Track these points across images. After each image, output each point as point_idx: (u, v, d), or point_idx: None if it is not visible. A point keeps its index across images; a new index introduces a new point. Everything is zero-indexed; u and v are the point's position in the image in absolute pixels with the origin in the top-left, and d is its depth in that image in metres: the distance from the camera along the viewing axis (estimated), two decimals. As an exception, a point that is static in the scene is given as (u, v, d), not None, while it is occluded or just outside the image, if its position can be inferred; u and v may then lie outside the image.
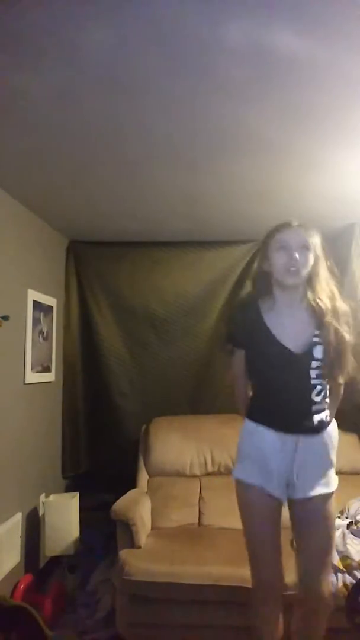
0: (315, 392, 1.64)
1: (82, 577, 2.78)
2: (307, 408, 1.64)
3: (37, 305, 2.90)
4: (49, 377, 3.10)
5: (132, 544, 2.39)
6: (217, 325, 3.44)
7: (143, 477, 2.95)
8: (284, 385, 1.66)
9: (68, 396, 3.39)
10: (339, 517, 2.50)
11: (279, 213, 2.88)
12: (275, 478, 1.65)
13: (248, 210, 2.86)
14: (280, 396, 1.67)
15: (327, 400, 1.71)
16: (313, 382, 1.64)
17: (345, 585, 2.05)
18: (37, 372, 2.89)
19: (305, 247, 1.62)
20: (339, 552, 2.18)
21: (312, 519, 1.67)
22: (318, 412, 1.66)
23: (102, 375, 3.42)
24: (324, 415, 1.68)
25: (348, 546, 2.19)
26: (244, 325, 1.73)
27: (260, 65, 1.49)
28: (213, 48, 1.42)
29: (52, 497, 2.87)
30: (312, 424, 1.64)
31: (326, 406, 1.70)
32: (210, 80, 1.58)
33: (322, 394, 1.67)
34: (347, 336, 1.64)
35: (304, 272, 1.63)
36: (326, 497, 1.66)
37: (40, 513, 2.85)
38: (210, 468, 2.94)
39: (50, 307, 3.13)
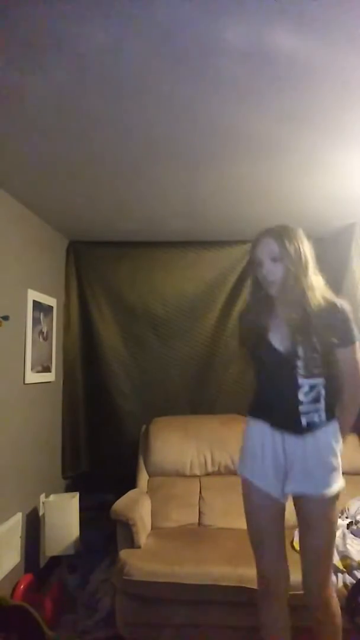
0: (302, 391, 1.65)
1: (82, 577, 2.78)
2: (294, 407, 1.65)
3: (37, 305, 2.90)
4: (49, 377, 3.10)
5: (132, 544, 2.39)
6: (217, 325, 3.44)
7: (143, 477, 2.95)
8: (273, 383, 1.72)
9: (68, 396, 3.39)
10: (339, 517, 2.50)
11: (279, 213, 2.89)
12: (270, 475, 1.66)
13: (248, 210, 2.86)
14: (270, 393, 1.73)
15: (323, 400, 1.67)
16: (300, 381, 1.65)
17: (345, 585, 2.05)
18: (37, 372, 2.89)
19: (275, 259, 1.64)
20: (339, 552, 2.18)
21: (310, 520, 1.67)
22: (308, 412, 1.65)
23: (102, 375, 3.42)
24: (316, 415, 1.66)
25: (348, 546, 2.19)
26: (247, 327, 1.81)
27: (260, 65, 1.50)
28: (213, 48, 1.42)
29: (52, 497, 2.87)
30: (300, 423, 1.64)
31: (320, 406, 1.66)
32: (210, 80, 1.58)
33: (312, 394, 1.65)
34: (327, 336, 1.64)
35: (280, 279, 1.65)
36: (325, 499, 1.63)
37: (40, 513, 2.85)
38: (210, 468, 2.94)
39: (50, 307, 3.13)
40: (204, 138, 1.97)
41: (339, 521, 2.40)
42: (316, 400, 1.66)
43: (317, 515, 1.65)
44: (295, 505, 1.72)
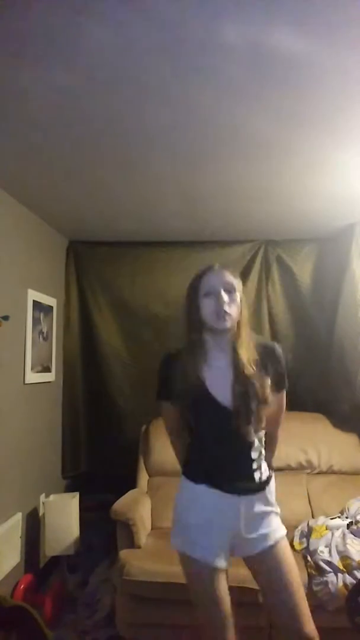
0: (253, 448, 1.52)
1: (82, 577, 2.78)
2: (248, 465, 1.52)
3: (37, 305, 2.90)
4: (49, 377, 3.10)
5: (132, 544, 2.39)
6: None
7: (143, 477, 2.95)
8: (219, 443, 1.53)
9: (68, 396, 3.39)
10: (339, 517, 2.50)
11: (279, 213, 2.90)
12: (218, 546, 1.50)
13: (248, 210, 2.86)
14: (216, 452, 1.54)
15: (263, 451, 1.57)
16: (251, 438, 1.52)
17: (345, 585, 2.05)
18: (37, 372, 2.89)
19: (232, 289, 1.53)
20: (339, 552, 2.18)
21: (275, 568, 1.51)
22: (258, 468, 1.53)
23: (102, 375, 3.42)
24: (264, 469, 1.56)
25: (348, 546, 2.18)
26: (175, 377, 1.60)
27: (260, 65, 1.50)
28: (213, 48, 1.42)
29: (52, 497, 2.87)
30: (254, 483, 1.52)
31: (263, 459, 1.57)
32: (210, 80, 1.58)
33: (259, 448, 1.55)
34: (267, 388, 1.52)
35: (235, 314, 1.52)
36: (279, 543, 1.53)
37: (40, 513, 2.85)
38: (210, 468, 2.93)
39: (50, 307, 3.13)
40: (205, 138, 1.97)
41: (339, 521, 2.41)
42: (261, 453, 1.56)
43: (279, 557, 1.51)
44: (251, 563, 1.56)
